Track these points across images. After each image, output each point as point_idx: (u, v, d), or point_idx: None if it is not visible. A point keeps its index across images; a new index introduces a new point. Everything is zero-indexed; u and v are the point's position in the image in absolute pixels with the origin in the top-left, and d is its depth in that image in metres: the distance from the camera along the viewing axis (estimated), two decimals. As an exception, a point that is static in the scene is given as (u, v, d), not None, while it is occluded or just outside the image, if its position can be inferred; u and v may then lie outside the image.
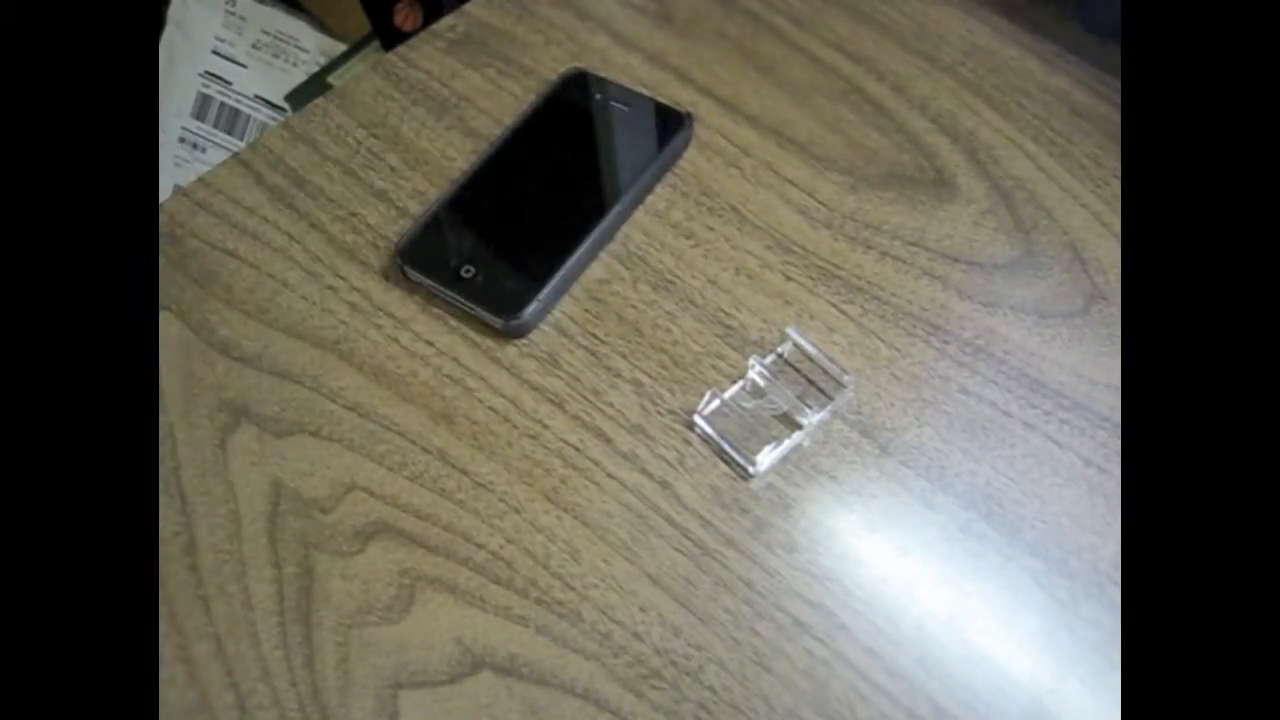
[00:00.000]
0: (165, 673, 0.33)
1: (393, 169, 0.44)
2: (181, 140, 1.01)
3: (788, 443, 0.36)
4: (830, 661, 0.32)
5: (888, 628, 0.33)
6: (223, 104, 1.00)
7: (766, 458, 0.35)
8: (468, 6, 0.50)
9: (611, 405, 0.37)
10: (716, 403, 0.37)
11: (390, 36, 0.90)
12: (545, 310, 0.39)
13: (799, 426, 0.36)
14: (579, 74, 0.46)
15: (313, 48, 0.98)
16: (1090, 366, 0.38)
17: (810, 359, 0.38)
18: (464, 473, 0.36)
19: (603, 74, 0.46)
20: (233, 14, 0.98)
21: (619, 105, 0.44)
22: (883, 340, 0.38)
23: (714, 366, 0.38)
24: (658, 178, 0.43)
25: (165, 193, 1.01)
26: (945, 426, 0.36)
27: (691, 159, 0.44)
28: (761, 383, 0.37)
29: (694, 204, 0.42)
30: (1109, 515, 0.34)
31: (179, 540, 0.35)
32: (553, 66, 0.47)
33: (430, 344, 0.39)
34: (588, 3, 0.49)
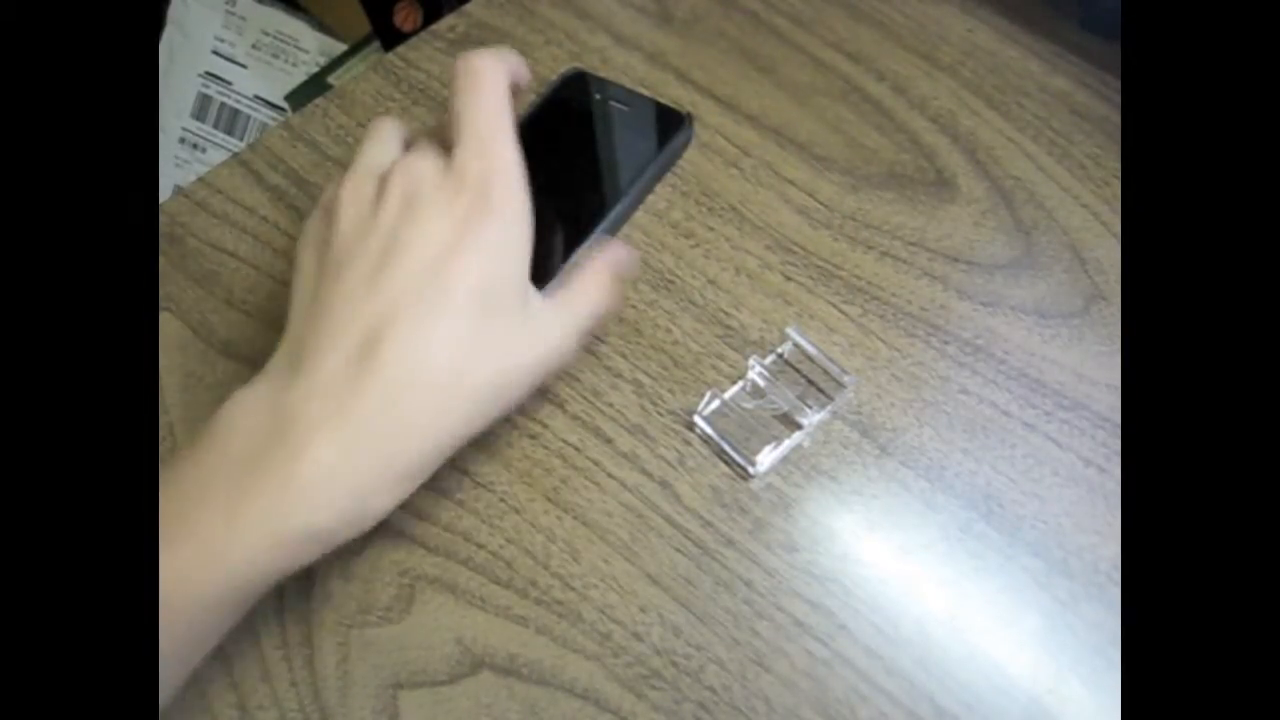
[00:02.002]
0: (165, 673, 0.33)
1: (393, 169, 0.44)
2: (181, 140, 1.01)
3: (788, 443, 0.36)
4: (830, 661, 0.32)
5: (888, 628, 0.33)
6: (223, 104, 1.00)
7: (766, 458, 0.35)
8: (468, 6, 0.50)
9: (611, 405, 0.37)
10: (716, 403, 0.37)
11: (390, 36, 0.90)
12: None
13: (799, 426, 0.36)
14: (578, 74, 0.46)
15: (313, 48, 0.98)
16: (1090, 366, 0.38)
17: (810, 359, 0.38)
18: (464, 473, 0.36)
19: (603, 74, 0.46)
20: (233, 14, 0.98)
21: (619, 105, 0.44)
22: (883, 340, 0.38)
23: (714, 366, 0.38)
24: (658, 178, 0.43)
25: (165, 193, 1.01)
26: (945, 426, 0.36)
27: (691, 159, 0.44)
28: (761, 383, 0.37)
29: (694, 204, 0.42)
30: (1109, 515, 0.34)
31: (179, 540, 0.35)
32: (553, 66, 0.47)
33: (430, 344, 0.39)
34: (588, 3, 0.49)
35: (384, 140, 0.33)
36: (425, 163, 0.31)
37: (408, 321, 0.28)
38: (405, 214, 0.30)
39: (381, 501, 0.28)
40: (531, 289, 0.32)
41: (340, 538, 0.28)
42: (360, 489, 0.28)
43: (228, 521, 0.26)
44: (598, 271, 0.33)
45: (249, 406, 0.29)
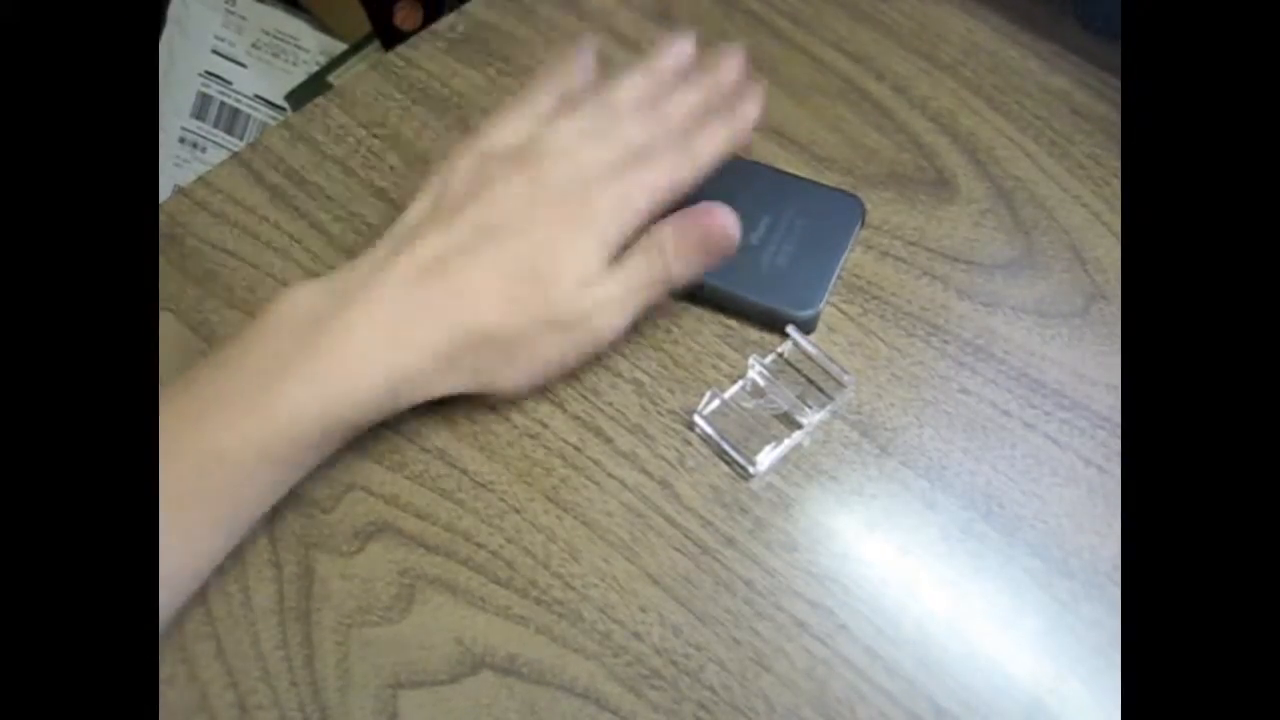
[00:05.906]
0: (165, 673, 0.33)
1: (393, 169, 0.44)
2: (181, 140, 1.01)
3: (788, 443, 0.36)
4: (830, 661, 0.32)
5: (888, 628, 0.33)
6: (223, 104, 1.00)
7: (766, 458, 0.35)
8: (468, 6, 0.50)
9: (611, 405, 0.37)
10: (717, 402, 0.37)
11: (390, 36, 0.90)
12: None
13: (799, 426, 0.36)
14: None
15: (313, 47, 0.97)
16: (1090, 366, 0.38)
17: (810, 359, 0.38)
18: (464, 473, 0.36)
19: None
20: (233, 14, 0.98)
21: None
22: (883, 340, 0.38)
23: (714, 366, 0.38)
24: None
25: (165, 193, 1.01)
26: (945, 426, 0.36)
27: (691, 159, 0.44)
28: (761, 382, 0.37)
29: (694, 204, 0.42)
30: (1109, 515, 0.34)
31: (179, 540, 0.35)
32: (553, 66, 0.47)
33: (430, 344, 0.39)
34: (588, 3, 0.49)
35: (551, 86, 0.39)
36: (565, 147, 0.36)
37: (472, 257, 0.34)
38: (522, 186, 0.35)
39: (419, 389, 0.34)
40: (593, 283, 0.35)
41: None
42: (392, 369, 0.33)
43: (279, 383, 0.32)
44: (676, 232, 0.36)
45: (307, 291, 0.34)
